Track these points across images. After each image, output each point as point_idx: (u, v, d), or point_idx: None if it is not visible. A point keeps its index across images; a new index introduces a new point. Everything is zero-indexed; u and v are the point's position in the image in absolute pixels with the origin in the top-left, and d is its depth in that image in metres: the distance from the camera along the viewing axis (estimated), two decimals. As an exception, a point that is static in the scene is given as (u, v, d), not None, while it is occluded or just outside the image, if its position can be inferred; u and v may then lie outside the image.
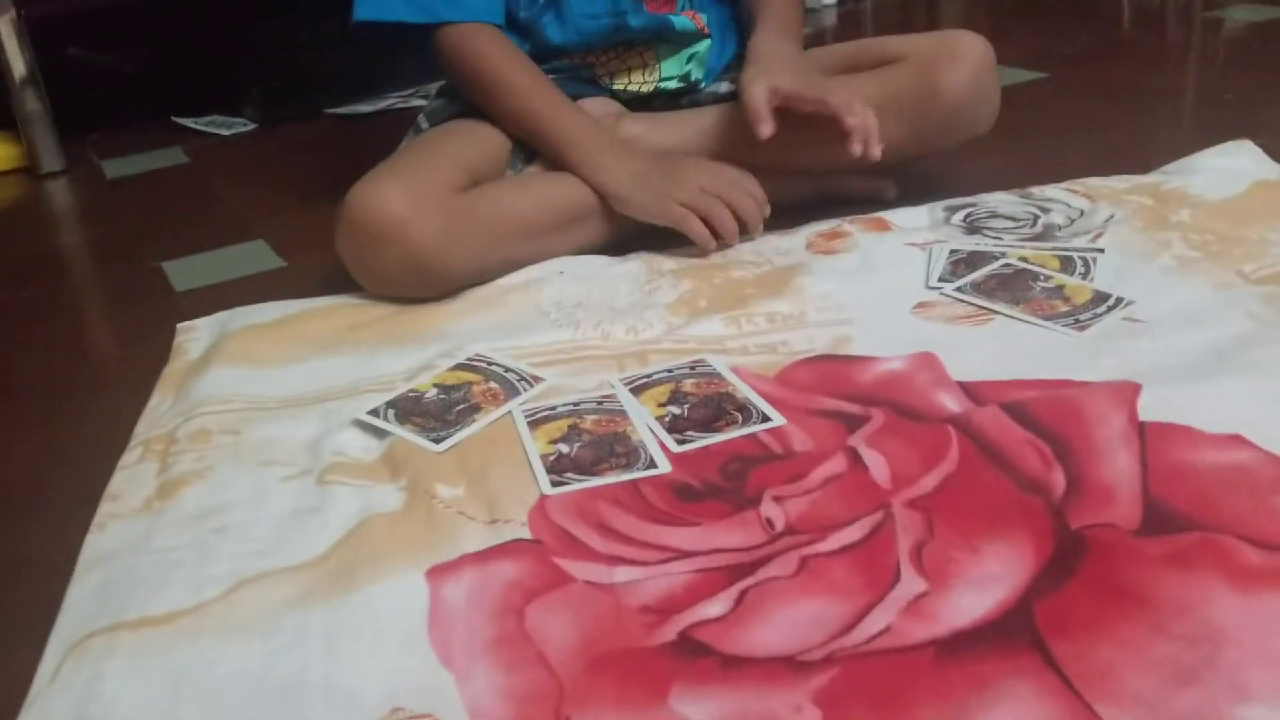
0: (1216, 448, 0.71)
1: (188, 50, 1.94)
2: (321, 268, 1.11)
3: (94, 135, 1.77)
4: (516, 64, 1.11)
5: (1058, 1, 2.20)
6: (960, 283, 0.97)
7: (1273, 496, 0.66)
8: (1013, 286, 0.96)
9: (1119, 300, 0.92)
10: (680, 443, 0.78)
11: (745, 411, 0.82)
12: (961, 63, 1.09)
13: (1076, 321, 0.90)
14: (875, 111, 1.06)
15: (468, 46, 1.11)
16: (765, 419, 0.80)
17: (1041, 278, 0.97)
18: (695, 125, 1.18)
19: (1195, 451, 0.71)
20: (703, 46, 1.20)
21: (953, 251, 1.01)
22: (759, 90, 1.05)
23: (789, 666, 0.57)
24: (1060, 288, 0.95)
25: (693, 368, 0.88)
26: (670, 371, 0.88)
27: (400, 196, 0.99)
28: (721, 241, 1.07)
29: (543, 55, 1.15)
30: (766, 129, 1.04)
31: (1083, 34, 1.92)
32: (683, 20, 1.17)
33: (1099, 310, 0.91)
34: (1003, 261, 1.00)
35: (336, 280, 1.06)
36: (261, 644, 0.63)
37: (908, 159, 1.16)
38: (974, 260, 1.00)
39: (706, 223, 1.06)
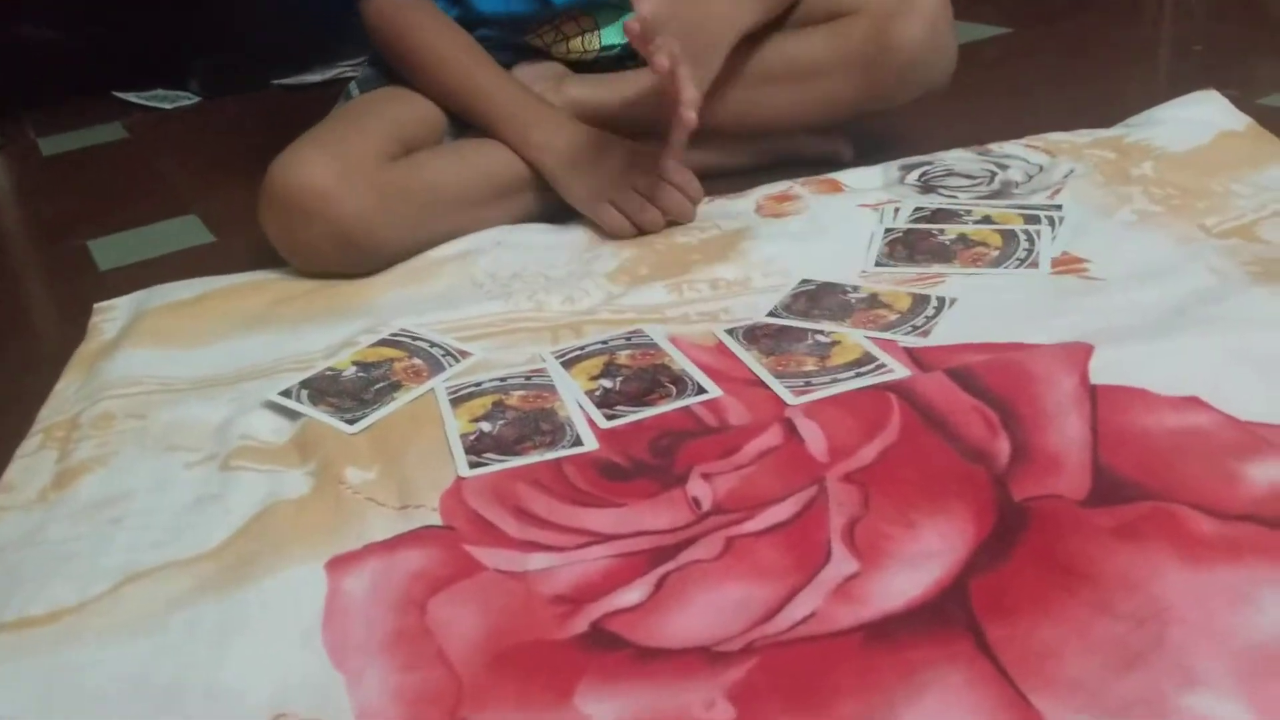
0: (1172, 411, 0.67)
1: (131, 22, 1.87)
2: (254, 243, 1.06)
3: (33, 112, 1.71)
4: (446, 33, 1.06)
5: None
6: (898, 267, 0.92)
7: (1229, 461, 0.62)
8: (942, 255, 0.92)
9: (1050, 217, 0.90)
10: (610, 418, 0.74)
11: (680, 384, 0.77)
12: (916, 14, 1.04)
13: (1020, 262, 0.88)
14: (829, 71, 1.02)
15: (394, 15, 1.05)
16: (701, 391, 0.76)
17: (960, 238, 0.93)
18: (638, 86, 1.12)
19: (1149, 415, 0.67)
20: None
21: (888, 233, 0.96)
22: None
23: (705, 658, 0.53)
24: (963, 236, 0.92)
25: (629, 338, 0.84)
26: (605, 343, 0.84)
27: (326, 167, 0.94)
28: None
29: (471, 25, 1.10)
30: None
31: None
32: None
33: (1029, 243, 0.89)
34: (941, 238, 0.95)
35: (268, 256, 1.01)
36: (147, 643, 0.58)
37: (862, 115, 1.11)
38: (912, 239, 0.95)
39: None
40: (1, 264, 1.22)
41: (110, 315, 0.98)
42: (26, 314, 1.08)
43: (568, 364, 0.81)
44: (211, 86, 1.74)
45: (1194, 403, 0.67)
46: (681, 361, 0.80)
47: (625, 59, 1.15)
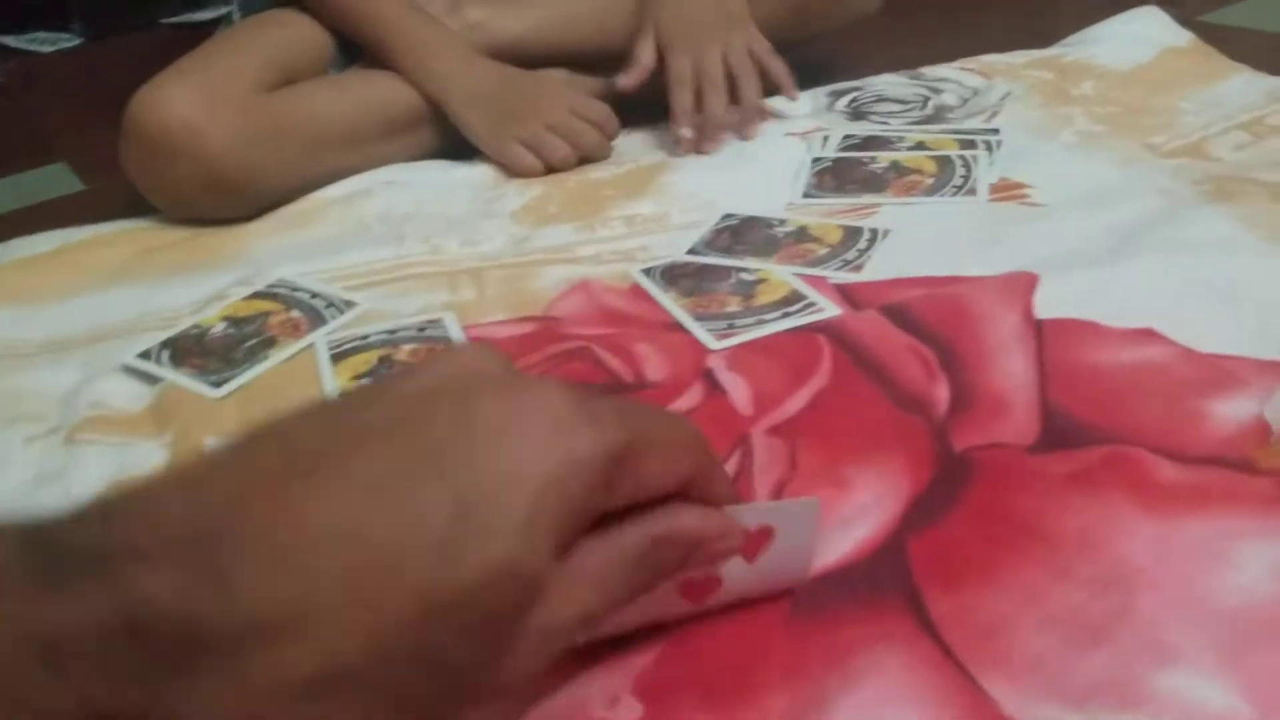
0: (1126, 344, 0.61)
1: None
2: (127, 191, 0.96)
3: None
4: None
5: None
6: (827, 198, 0.85)
7: (1190, 398, 0.56)
8: (874, 184, 0.85)
9: (987, 141, 0.85)
10: None
11: None
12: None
13: (956, 190, 0.82)
14: None
15: None
16: None
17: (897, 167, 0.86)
18: (544, 8, 1.04)
19: (1101, 350, 0.61)
20: None
21: (816, 162, 0.89)
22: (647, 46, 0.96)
23: (609, 647, 0.46)
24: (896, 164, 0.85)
25: (421, 329, 0.73)
26: (392, 333, 0.72)
27: (190, 98, 0.85)
28: None
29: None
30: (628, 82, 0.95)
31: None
32: None
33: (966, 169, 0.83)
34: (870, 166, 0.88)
35: (142, 204, 0.92)
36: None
37: (791, 43, 1.03)
38: (841, 168, 0.87)
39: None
40: None
41: (-43, 274, 0.88)
42: None
43: (337, 356, 0.70)
44: (95, 27, 1.62)
45: (1149, 334, 0.61)
46: None
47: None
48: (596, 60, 1.01)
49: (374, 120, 0.95)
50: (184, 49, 1.48)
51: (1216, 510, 0.48)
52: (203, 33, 1.54)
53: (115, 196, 0.99)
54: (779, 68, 0.95)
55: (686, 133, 0.93)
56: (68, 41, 1.61)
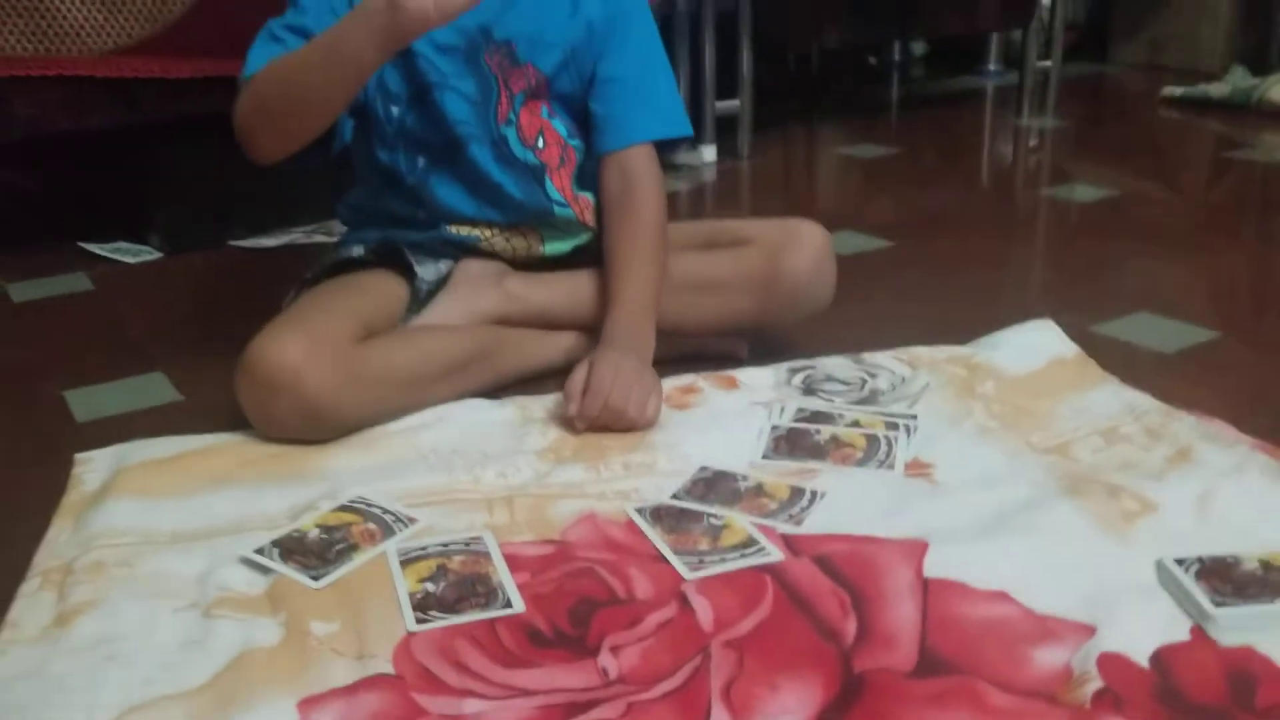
0: (985, 602, 0.85)
1: (94, 173, 2.01)
2: (215, 404, 1.20)
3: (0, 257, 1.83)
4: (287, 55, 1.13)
5: (917, 170, 2.42)
6: (781, 460, 1.09)
7: (1023, 646, 0.79)
8: (817, 452, 1.10)
9: (907, 425, 1.11)
10: (421, 621, 0.84)
11: (492, 595, 0.88)
12: (802, 250, 1.25)
13: (880, 464, 1.07)
14: (729, 287, 1.24)
15: (260, 78, 1.13)
16: (508, 604, 0.86)
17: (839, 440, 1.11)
18: (572, 285, 1.30)
19: (967, 605, 0.84)
20: (586, 238, 1.33)
21: (774, 429, 1.14)
22: (579, 376, 1.15)
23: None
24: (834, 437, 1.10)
25: (467, 544, 0.94)
26: (445, 546, 0.94)
27: (294, 349, 1.08)
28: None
29: (434, 222, 1.27)
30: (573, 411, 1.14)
31: (934, 202, 2.13)
32: (564, 210, 1.30)
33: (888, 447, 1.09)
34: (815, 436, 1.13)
35: (227, 416, 1.15)
36: (146, 766, 0.71)
37: (758, 327, 1.30)
38: (793, 437, 1.13)
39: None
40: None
41: (90, 467, 1.10)
42: (14, 461, 1.18)
43: (405, 562, 0.91)
44: (171, 242, 1.88)
45: (1003, 596, 0.85)
46: (502, 574, 0.90)
47: (559, 263, 1.34)
48: (597, 324, 1.25)
49: (433, 367, 1.19)
50: (251, 272, 1.76)
51: (1026, 727, 0.71)
52: (264, 257, 1.82)
53: (206, 408, 1.22)
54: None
55: (572, 408, 1.14)
56: (148, 254, 1.86)
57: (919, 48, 3.82)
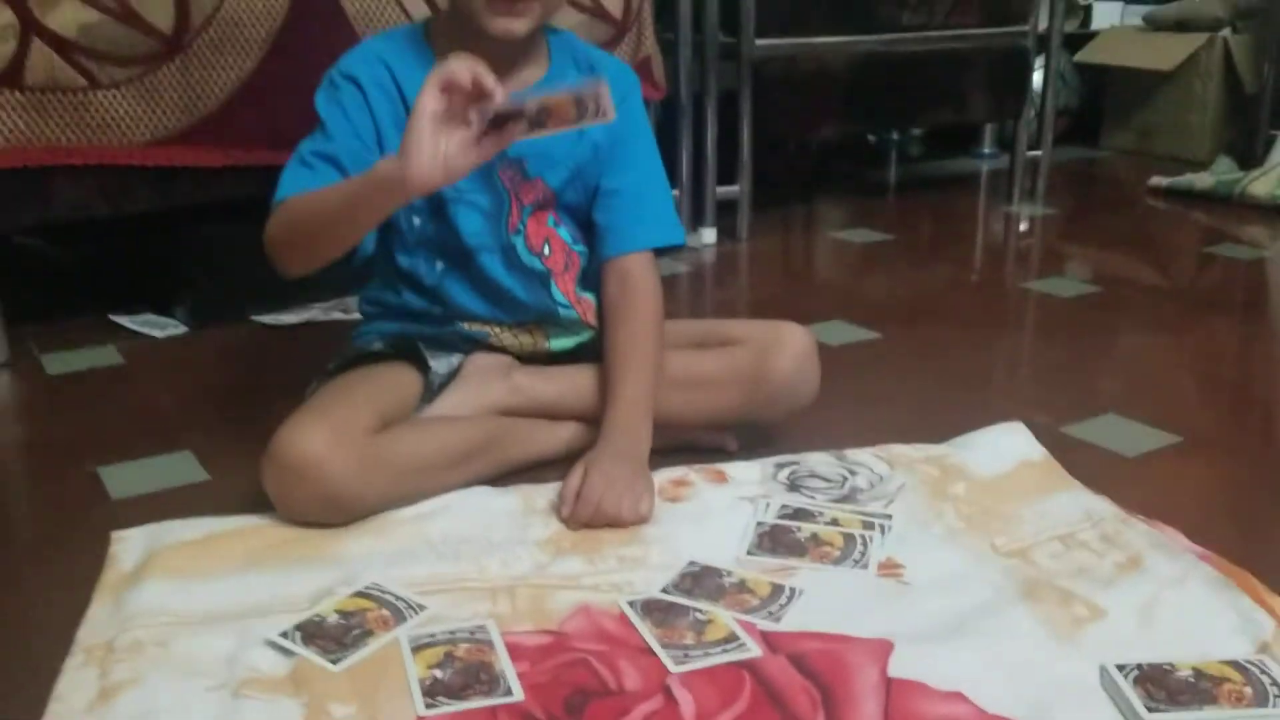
0: (942, 702, 0.93)
1: (122, 246, 2.11)
2: (240, 485, 1.29)
3: (34, 329, 1.91)
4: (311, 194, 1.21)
5: (909, 257, 2.53)
6: (764, 557, 1.18)
7: (972, 745, 0.88)
8: (797, 550, 1.18)
9: (882, 525, 1.19)
10: (429, 706, 0.92)
11: (494, 683, 0.96)
12: (787, 351, 1.35)
13: (855, 563, 1.15)
14: (719, 384, 1.33)
15: (287, 208, 1.22)
16: (508, 692, 0.94)
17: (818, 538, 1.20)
18: (576, 379, 1.40)
19: (926, 704, 0.93)
20: (588, 336, 1.43)
21: (759, 525, 1.23)
22: (574, 481, 1.24)
23: None
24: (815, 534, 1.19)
25: (472, 633, 1.03)
26: (452, 634, 1.02)
27: (317, 439, 1.18)
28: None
29: (449, 319, 1.37)
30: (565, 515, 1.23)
31: (923, 292, 2.23)
32: (568, 311, 1.40)
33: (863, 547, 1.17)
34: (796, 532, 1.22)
35: (252, 496, 1.24)
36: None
37: (745, 422, 1.40)
38: (776, 533, 1.22)
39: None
40: (19, 487, 1.43)
41: (126, 545, 1.19)
42: (54, 535, 1.27)
43: (416, 649, 0.99)
44: (196, 316, 1.97)
45: (959, 696, 0.94)
46: (504, 662, 0.98)
47: (564, 357, 1.44)
48: (598, 416, 1.34)
49: (445, 456, 1.29)
50: (272, 349, 1.85)
51: (969, 821, 0.80)
52: (286, 334, 1.92)
53: (232, 489, 1.32)
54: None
55: (565, 511, 1.23)
56: (175, 328, 1.95)
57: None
